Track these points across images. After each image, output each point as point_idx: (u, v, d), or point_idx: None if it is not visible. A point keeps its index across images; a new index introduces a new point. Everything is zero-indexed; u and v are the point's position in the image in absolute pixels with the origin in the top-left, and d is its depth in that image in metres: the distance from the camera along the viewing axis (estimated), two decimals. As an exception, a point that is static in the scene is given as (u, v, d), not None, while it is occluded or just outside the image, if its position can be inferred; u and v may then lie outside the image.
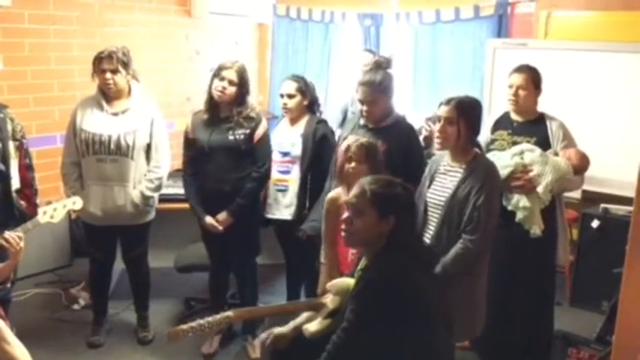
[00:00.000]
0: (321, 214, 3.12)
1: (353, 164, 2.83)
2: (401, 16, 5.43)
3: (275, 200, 3.59)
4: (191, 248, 3.92)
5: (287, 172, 3.56)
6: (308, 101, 3.59)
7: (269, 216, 3.61)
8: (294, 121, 3.61)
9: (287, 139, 3.57)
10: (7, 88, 4.31)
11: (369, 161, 2.82)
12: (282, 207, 3.57)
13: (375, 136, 3.07)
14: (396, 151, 3.06)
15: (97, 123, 3.38)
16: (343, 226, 2.21)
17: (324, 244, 3.03)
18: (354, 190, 2.19)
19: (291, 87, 3.56)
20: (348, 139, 2.97)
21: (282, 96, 3.59)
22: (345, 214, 2.20)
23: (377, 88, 3.08)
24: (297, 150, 3.52)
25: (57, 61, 4.60)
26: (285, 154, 3.56)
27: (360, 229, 2.14)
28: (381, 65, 3.18)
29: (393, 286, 2.00)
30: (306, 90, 3.58)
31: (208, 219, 3.38)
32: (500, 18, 4.93)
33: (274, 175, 3.56)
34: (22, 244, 2.56)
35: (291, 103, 3.55)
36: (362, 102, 3.14)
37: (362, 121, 3.22)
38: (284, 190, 3.57)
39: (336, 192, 3.00)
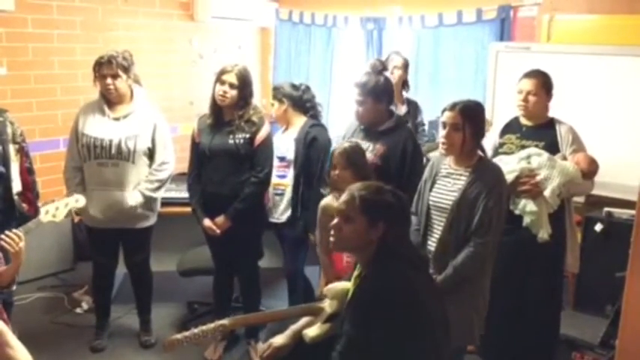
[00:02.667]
0: (306, 216, 3.36)
1: (337, 171, 2.90)
2: (403, 20, 5.43)
3: (274, 204, 3.63)
4: (194, 252, 3.91)
5: (284, 177, 3.60)
6: (288, 104, 3.63)
7: (270, 219, 3.64)
8: (287, 127, 3.68)
9: (283, 144, 3.61)
10: (11, 92, 4.32)
11: (352, 167, 2.86)
12: (280, 210, 3.61)
13: (373, 140, 3.11)
14: (394, 154, 3.08)
15: (99, 128, 3.39)
16: (332, 232, 2.19)
17: (320, 252, 3.08)
18: (344, 197, 2.17)
19: (271, 97, 3.69)
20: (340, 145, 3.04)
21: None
22: (335, 221, 2.18)
23: (365, 90, 3.12)
24: (291, 154, 3.56)
25: (60, 66, 4.61)
26: (282, 158, 3.61)
27: (348, 235, 2.12)
28: (376, 69, 3.22)
29: (391, 295, 1.98)
30: (281, 96, 3.63)
31: (206, 221, 3.40)
32: (502, 22, 4.92)
33: (273, 179, 3.59)
34: (22, 244, 2.53)
35: (274, 112, 3.68)
36: (354, 102, 3.20)
37: (362, 126, 3.25)
38: (281, 194, 3.61)
39: (328, 199, 3.05)
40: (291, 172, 3.56)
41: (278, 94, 3.65)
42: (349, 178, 2.79)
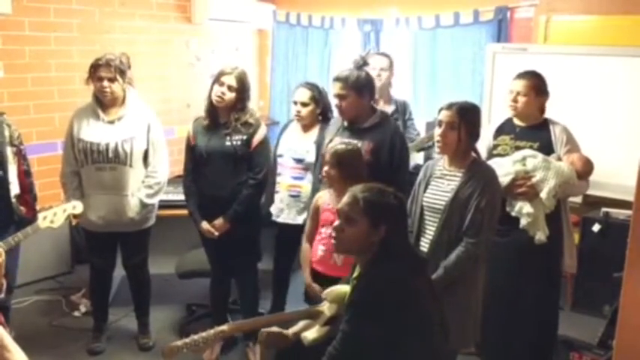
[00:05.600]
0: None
1: (326, 167, 2.94)
2: (400, 22, 5.43)
3: (287, 205, 3.60)
4: (192, 254, 3.91)
5: (301, 179, 3.58)
6: (320, 109, 3.61)
7: (279, 220, 3.63)
8: (306, 127, 3.63)
9: (301, 146, 3.58)
10: (8, 95, 4.32)
11: (340, 167, 2.89)
12: (295, 212, 3.59)
13: (358, 137, 3.11)
14: (381, 150, 3.08)
15: (94, 132, 3.38)
16: (333, 234, 2.20)
17: (305, 240, 3.15)
18: (346, 198, 2.17)
19: (304, 95, 3.57)
20: (333, 143, 3.06)
21: (295, 103, 3.61)
22: (336, 222, 2.19)
23: (345, 84, 3.12)
24: (311, 157, 3.53)
25: (57, 68, 4.61)
26: (299, 160, 3.58)
27: (350, 237, 2.12)
28: (357, 64, 3.22)
29: (387, 295, 1.99)
30: (319, 98, 3.59)
31: (204, 224, 3.39)
32: (499, 23, 4.93)
33: (287, 180, 3.59)
34: (0, 259, 2.47)
35: (305, 112, 3.57)
36: (335, 96, 3.19)
37: (346, 123, 3.24)
38: (297, 196, 3.58)
39: (321, 193, 3.13)
40: (309, 175, 3.55)
41: (317, 93, 3.58)
42: (337, 177, 2.89)
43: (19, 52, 4.37)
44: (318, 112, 3.60)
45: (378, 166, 3.05)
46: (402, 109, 4.28)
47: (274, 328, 2.39)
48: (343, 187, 2.73)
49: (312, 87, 3.61)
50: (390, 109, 4.10)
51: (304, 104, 3.56)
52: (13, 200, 3.13)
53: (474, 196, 2.60)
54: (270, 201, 3.67)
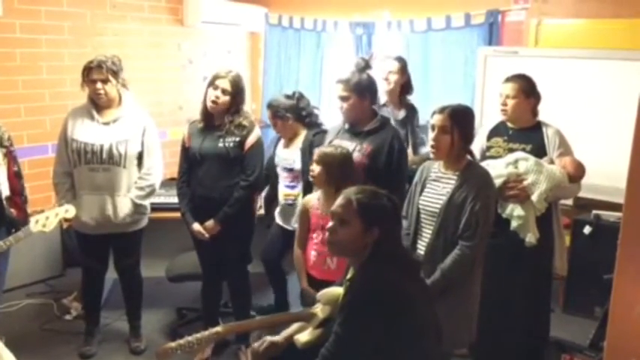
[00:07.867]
0: None
1: (312, 165, 3.04)
2: (392, 25, 5.45)
3: (286, 212, 3.72)
4: (182, 257, 3.90)
5: (294, 187, 3.66)
6: (292, 119, 3.67)
7: (285, 226, 3.75)
8: (291, 139, 3.73)
9: (289, 155, 3.65)
10: (-1, 97, 4.30)
11: (325, 167, 2.98)
12: (293, 219, 3.66)
13: (358, 140, 3.15)
14: (381, 152, 3.10)
15: (89, 133, 3.37)
16: (327, 235, 2.22)
17: (296, 245, 3.18)
18: (340, 200, 2.19)
19: (269, 116, 3.73)
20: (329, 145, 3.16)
21: None
22: (330, 224, 2.20)
23: (348, 86, 3.15)
24: (298, 164, 3.58)
25: (48, 71, 4.60)
26: (290, 170, 3.65)
27: (344, 238, 2.14)
28: (359, 67, 3.24)
29: (381, 296, 1.99)
30: (284, 113, 3.67)
31: (195, 226, 3.39)
32: (490, 26, 4.94)
33: (283, 189, 3.68)
34: None
35: (277, 129, 3.75)
36: (337, 98, 3.22)
37: (346, 126, 3.26)
38: (292, 205, 3.66)
39: (309, 197, 3.19)
40: (301, 184, 3.61)
41: (280, 111, 3.67)
42: (321, 178, 2.99)
43: (9, 54, 4.36)
44: (291, 123, 3.70)
45: (376, 170, 3.07)
46: (412, 115, 4.18)
47: (266, 340, 2.38)
48: (329, 191, 2.83)
49: (271, 106, 3.73)
50: (400, 114, 4.08)
51: (273, 124, 3.72)
52: (4, 202, 3.11)
53: (469, 200, 2.61)
54: (273, 206, 3.82)
